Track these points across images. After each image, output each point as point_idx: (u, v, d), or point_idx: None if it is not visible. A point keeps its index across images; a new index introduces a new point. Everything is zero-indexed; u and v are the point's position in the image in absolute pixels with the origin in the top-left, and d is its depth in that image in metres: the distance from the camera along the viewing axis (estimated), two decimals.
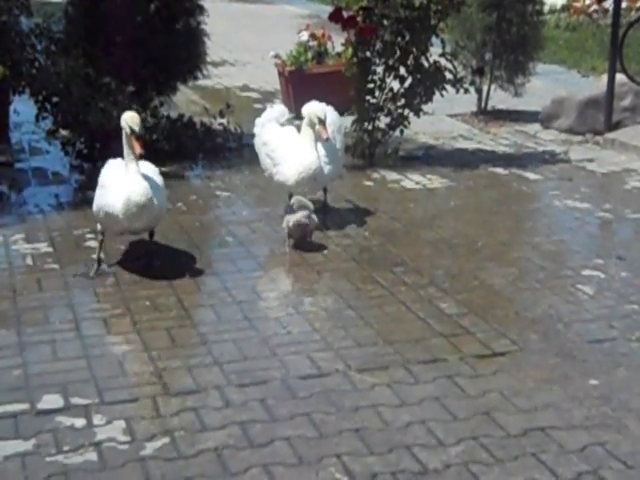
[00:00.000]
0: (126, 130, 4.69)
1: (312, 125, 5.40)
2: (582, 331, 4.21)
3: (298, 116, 8.61)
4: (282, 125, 5.80)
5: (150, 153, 6.78)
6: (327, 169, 5.48)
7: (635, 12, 12.07)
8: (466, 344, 4.07)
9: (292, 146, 5.48)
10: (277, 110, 5.91)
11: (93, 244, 5.15)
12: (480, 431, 3.37)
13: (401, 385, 3.71)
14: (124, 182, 4.68)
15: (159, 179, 4.95)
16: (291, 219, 5.15)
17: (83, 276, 4.78)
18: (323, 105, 5.70)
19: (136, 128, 4.67)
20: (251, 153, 7.35)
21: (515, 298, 4.60)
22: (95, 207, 4.82)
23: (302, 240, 5.20)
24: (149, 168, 4.97)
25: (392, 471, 3.13)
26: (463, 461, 3.19)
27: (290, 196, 5.48)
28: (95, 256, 4.87)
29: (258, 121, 5.90)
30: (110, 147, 6.35)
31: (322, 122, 5.35)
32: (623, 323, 4.29)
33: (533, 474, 3.12)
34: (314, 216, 5.19)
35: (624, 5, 10.40)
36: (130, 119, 4.71)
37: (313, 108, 5.44)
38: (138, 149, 4.65)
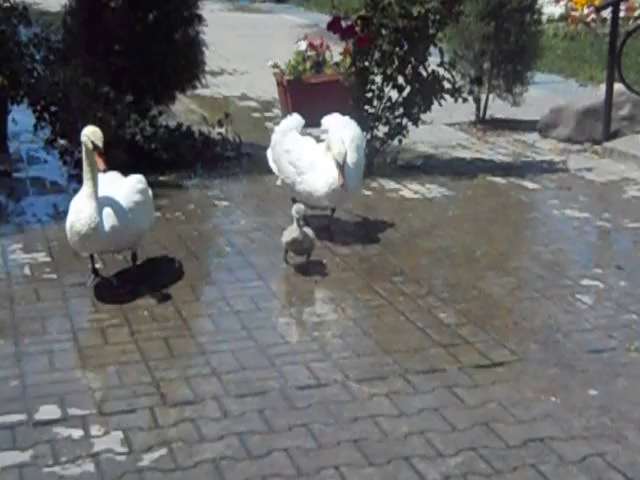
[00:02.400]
0: (87, 145, 4.49)
1: (329, 151, 5.34)
2: (581, 341, 4.20)
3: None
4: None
5: (148, 162, 6.88)
6: (353, 181, 5.41)
7: (633, 21, 12.08)
8: (465, 354, 4.06)
9: (318, 156, 5.41)
10: (297, 119, 5.80)
11: None
12: (479, 442, 3.36)
13: (400, 395, 3.69)
14: (74, 206, 4.56)
15: (133, 199, 4.70)
16: (288, 235, 5.02)
17: (81, 285, 4.76)
18: (346, 119, 5.69)
19: (99, 143, 4.47)
20: (250, 162, 7.41)
21: (514, 308, 4.59)
22: None
23: (300, 256, 5.10)
24: (127, 184, 4.78)
25: None
26: (462, 472, 3.17)
27: (293, 200, 5.45)
28: (90, 266, 4.85)
29: (278, 128, 5.82)
30: (109, 157, 6.37)
31: (340, 168, 5.23)
32: (622, 333, 4.28)
33: None
34: (311, 233, 5.03)
35: (622, 14, 10.41)
36: (92, 134, 4.49)
37: (335, 149, 5.24)
38: (102, 165, 4.46)
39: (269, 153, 5.99)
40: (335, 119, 5.73)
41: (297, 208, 4.99)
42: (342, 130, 5.53)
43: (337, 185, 5.24)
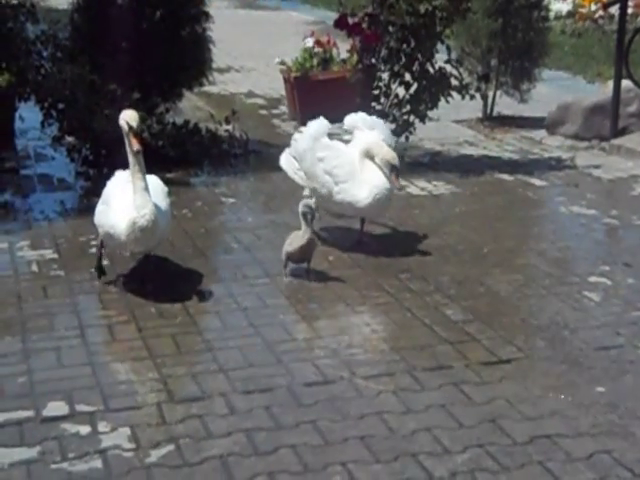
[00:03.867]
0: (124, 128, 4.51)
1: (369, 157, 5.10)
2: (588, 338, 4.19)
3: (303, 123, 8.67)
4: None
5: (156, 159, 6.87)
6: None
7: None
8: (472, 351, 4.06)
9: (356, 165, 5.13)
10: (325, 123, 5.43)
11: None
12: (486, 439, 3.35)
13: (407, 392, 3.69)
14: (130, 202, 4.50)
15: (164, 196, 4.76)
16: (296, 241, 4.78)
17: (89, 281, 4.76)
18: (373, 119, 5.46)
19: (134, 124, 4.48)
20: (257, 159, 7.41)
21: (521, 305, 4.59)
22: (97, 221, 4.70)
23: (300, 264, 4.89)
24: (155, 184, 4.79)
25: (398, 479, 3.12)
26: (469, 469, 3.17)
27: (307, 197, 5.15)
28: (95, 266, 4.81)
29: (307, 134, 5.42)
30: (115, 153, 6.38)
31: (396, 171, 5.01)
32: (630, 330, 4.27)
33: None
34: (313, 236, 4.84)
35: (630, 11, 10.39)
36: (128, 116, 4.52)
37: (385, 152, 5.04)
38: (136, 145, 4.47)
39: (288, 159, 5.63)
40: (361, 119, 5.45)
41: (306, 202, 4.79)
42: (371, 132, 5.30)
43: (387, 187, 4.99)
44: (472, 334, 4.23)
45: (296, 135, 5.57)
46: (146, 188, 4.51)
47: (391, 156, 5.01)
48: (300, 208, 4.78)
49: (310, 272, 4.88)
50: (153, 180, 4.84)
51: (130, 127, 4.49)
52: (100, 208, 4.71)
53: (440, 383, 3.77)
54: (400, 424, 3.45)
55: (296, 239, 4.80)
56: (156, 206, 4.53)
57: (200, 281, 4.86)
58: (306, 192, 5.45)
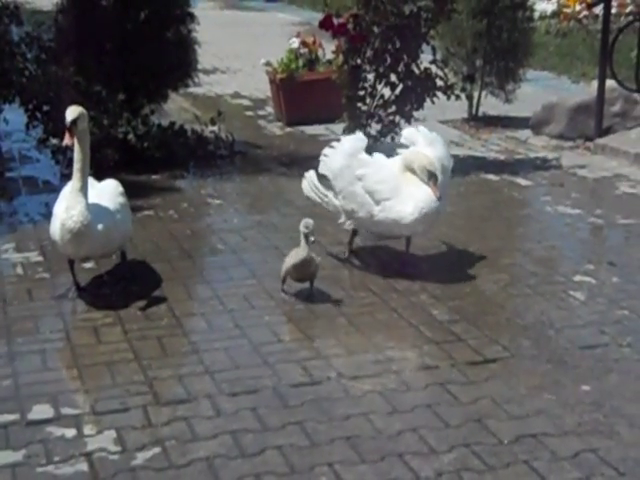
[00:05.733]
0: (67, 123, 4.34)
1: (410, 169, 4.75)
2: (574, 337, 4.21)
3: (289, 124, 8.70)
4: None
5: (141, 161, 6.87)
6: (440, 205, 4.78)
7: (625, 18, 12.10)
8: (458, 351, 4.07)
9: (399, 180, 4.77)
10: (362, 138, 5.05)
11: None
12: (472, 438, 3.36)
13: (393, 392, 3.70)
14: (63, 205, 4.38)
15: (117, 199, 4.64)
16: (295, 257, 4.57)
17: (62, 297, 4.63)
18: (433, 136, 5.03)
19: (68, 118, 4.31)
20: (243, 161, 7.41)
21: (506, 304, 4.60)
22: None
23: (302, 282, 4.68)
24: (108, 186, 4.71)
25: (384, 479, 3.12)
26: (455, 469, 3.18)
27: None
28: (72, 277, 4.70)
29: (341, 151, 4.99)
30: (101, 156, 6.36)
31: (434, 178, 4.65)
32: (614, 329, 4.29)
33: None
34: (314, 255, 4.63)
35: (614, 11, 10.43)
36: (68, 111, 4.36)
37: (422, 158, 4.71)
38: (65, 140, 4.33)
39: (310, 183, 5.20)
40: (421, 134, 5.04)
41: (306, 223, 4.52)
42: (427, 148, 4.89)
43: (434, 200, 4.62)
44: (458, 334, 4.24)
45: (326, 150, 5.10)
46: (82, 189, 4.37)
47: (428, 162, 4.67)
48: (301, 227, 4.55)
49: (312, 293, 4.64)
50: (107, 183, 4.79)
51: (66, 122, 4.34)
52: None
53: (426, 383, 3.78)
54: (386, 424, 3.45)
55: (293, 256, 4.62)
56: (98, 208, 4.43)
57: (186, 283, 4.85)
58: (341, 220, 5.05)
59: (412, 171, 4.74)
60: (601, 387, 3.75)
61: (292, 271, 4.61)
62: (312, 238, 4.52)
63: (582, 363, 3.95)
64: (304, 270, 4.60)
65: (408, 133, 5.12)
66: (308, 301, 4.61)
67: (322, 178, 5.16)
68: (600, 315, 4.45)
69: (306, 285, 4.70)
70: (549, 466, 3.20)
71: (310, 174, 5.23)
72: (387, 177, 4.81)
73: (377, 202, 4.77)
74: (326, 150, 5.10)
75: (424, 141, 4.97)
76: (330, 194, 5.07)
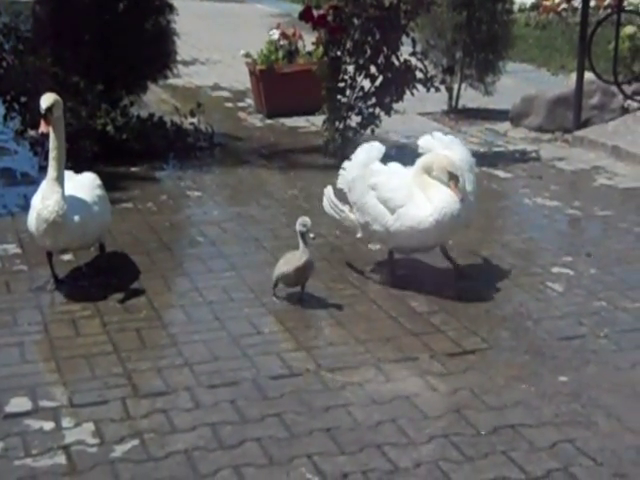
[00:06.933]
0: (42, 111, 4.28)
1: (428, 172, 4.54)
2: (552, 328, 4.24)
3: (269, 116, 8.68)
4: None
5: (120, 153, 6.83)
6: (466, 211, 4.56)
7: (603, 11, 12.16)
8: (437, 342, 4.08)
9: (413, 187, 4.55)
10: (378, 148, 4.82)
11: None
12: (451, 429, 3.38)
13: (372, 384, 3.71)
14: (40, 196, 4.36)
15: (95, 192, 4.62)
16: (291, 262, 4.40)
17: (40, 290, 4.60)
18: (449, 138, 4.87)
19: (43, 106, 4.26)
20: (222, 153, 7.39)
21: (485, 296, 4.61)
22: None
23: (293, 287, 4.53)
24: (86, 178, 4.70)
25: (363, 470, 3.13)
26: (433, 459, 3.19)
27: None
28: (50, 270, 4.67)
29: (355, 162, 4.81)
30: (79, 147, 6.32)
31: (455, 179, 4.43)
32: (592, 320, 4.32)
33: (503, 472, 3.13)
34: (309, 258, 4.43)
35: (592, 4, 10.48)
36: (44, 98, 4.30)
37: (441, 159, 4.51)
38: (40, 127, 4.28)
39: (329, 199, 4.93)
40: (437, 140, 4.84)
41: (303, 221, 4.36)
42: (445, 152, 4.68)
43: (456, 201, 4.40)
44: (437, 325, 4.25)
45: (345, 163, 4.90)
46: (57, 178, 4.33)
47: (447, 162, 4.45)
48: (297, 226, 4.40)
49: (304, 297, 4.49)
50: (85, 175, 4.77)
51: (41, 109, 4.29)
52: None
53: (405, 374, 3.79)
54: (365, 416, 3.46)
55: (292, 259, 4.41)
56: (75, 200, 4.41)
57: (165, 275, 4.84)
58: (359, 235, 4.86)
59: (431, 174, 4.52)
60: (579, 378, 3.78)
61: (292, 275, 4.40)
62: (312, 235, 4.37)
63: (560, 354, 3.98)
64: (305, 274, 4.43)
65: (424, 142, 4.87)
66: (287, 293, 4.60)
67: (340, 193, 4.96)
68: (578, 306, 4.48)
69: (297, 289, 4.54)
70: (527, 456, 3.22)
71: (328, 190, 5.00)
72: (400, 184, 4.58)
73: (392, 210, 4.53)
74: (345, 163, 4.91)
75: (441, 145, 4.79)
76: (346, 209, 4.88)
